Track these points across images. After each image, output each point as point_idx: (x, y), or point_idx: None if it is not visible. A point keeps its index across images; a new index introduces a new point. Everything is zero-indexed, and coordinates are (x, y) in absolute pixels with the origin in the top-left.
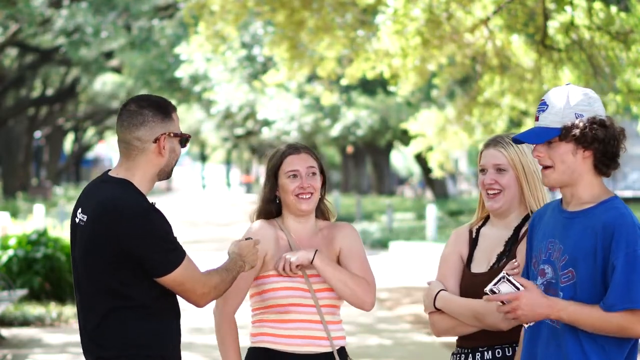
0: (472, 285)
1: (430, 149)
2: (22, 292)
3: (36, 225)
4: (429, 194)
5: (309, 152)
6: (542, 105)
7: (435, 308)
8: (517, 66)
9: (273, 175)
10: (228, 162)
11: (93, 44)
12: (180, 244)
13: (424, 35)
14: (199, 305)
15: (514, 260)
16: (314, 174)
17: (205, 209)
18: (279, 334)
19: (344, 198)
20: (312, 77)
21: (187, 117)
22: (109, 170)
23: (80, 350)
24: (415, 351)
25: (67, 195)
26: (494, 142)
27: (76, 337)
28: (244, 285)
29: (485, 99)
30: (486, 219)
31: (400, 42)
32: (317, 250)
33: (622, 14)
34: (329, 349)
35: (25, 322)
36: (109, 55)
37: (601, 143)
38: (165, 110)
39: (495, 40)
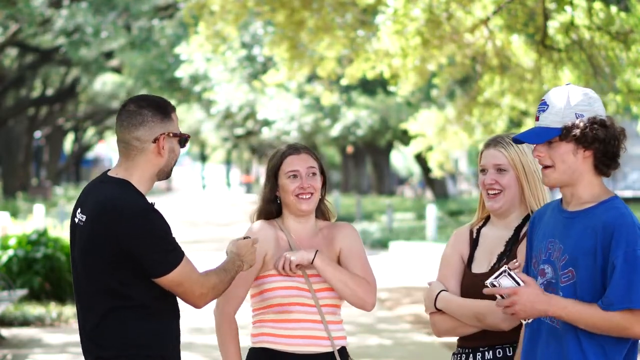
0: (473, 285)
1: (430, 149)
2: (22, 292)
3: (36, 225)
4: (429, 194)
5: (309, 152)
6: (543, 105)
7: (436, 309)
8: (517, 66)
9: (273, 176)
10: (228, 162)
11: (93, 44)
12: (179, 244)
13: (424, 35)
14: (197, 306)
15: (514, 260)
16: (314, 174)
17: (205, 209)
18: (280, 334)
19: (344, 198)
20: (312, 77)
21: (187, 117)
22: (108, 170)
23: (81, 350)
24: (415, 351)
25: (67, 195)
26: (494, 142)
27: (76, 337)
28: (244, 285)
29: (485, 99)
30: (487, 219)
31: (400, 42)
32: (317, 251)
33: (622, 14)
34: (329, 349)
35: (25, 322)
36: (109, 55)
37: (601, 143)
38: (164, 110)
39: (495, 40)
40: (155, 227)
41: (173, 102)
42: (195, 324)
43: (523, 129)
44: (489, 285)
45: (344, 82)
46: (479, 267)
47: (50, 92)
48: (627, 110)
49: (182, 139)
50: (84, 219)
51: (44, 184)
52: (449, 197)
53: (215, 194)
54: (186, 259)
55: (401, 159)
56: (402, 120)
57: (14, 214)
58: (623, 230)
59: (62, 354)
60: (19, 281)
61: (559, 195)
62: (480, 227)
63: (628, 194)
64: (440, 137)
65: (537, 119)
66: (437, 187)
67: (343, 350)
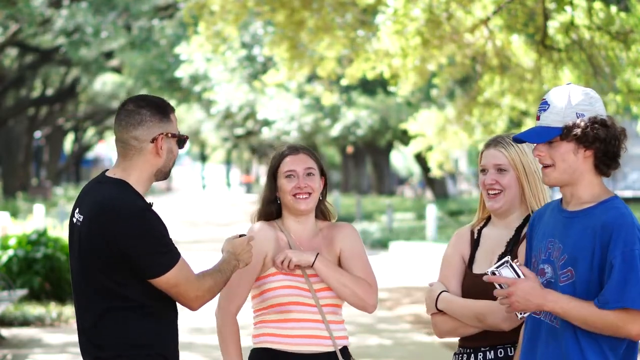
0: (474, 285)
1: (430, 148)
2: (22, 292)
3: (36, 225)
4: (429, 194)
5: (308, 153)
6: (543, 105)
7: (437, 309)
8: (517, 66)
9: (272, 176)
10: (228, 162)
11: (93, 44)
12: (176, 246)
13: (424, 35)
14: (192, 308)
15: (515, 260)
16: (311, 174)
17: (205, 209)
18: (281, 334)
19: (344, 198)
20: (312, 77)
21: (187, 117)
22: (106, 170)
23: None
24: (415, 351)
25: (67, 195)
26: (495, 142)
27: (76, 337)
28: (245, 286)
29: (485, 99)
30: (487, 219)
31: (400, 42)
32: (318, 254)
33: (622, 14)
34: (331, 349)
35: (25, 322)
36: (109, 55)
37: (602, 143)
38: (163, 110)
39: (495, 40)
40: (152, 228)
41: (173, 102)
42: (195, 324)
43: (523, 129)
44: (489, 273)
45: (344, 82)
46: (479, 268)
47: (50, 92)
48: (627, 110)
49: (181, 140)
50: (81, 219)
51: (44, 184)
52: (449, 197)
53: (215, 194)
54: (182, 261)
55: (401, 159)
56: (402, 120)
57: (14, 214)
58: (622, 230)
59: (62, 354)
60: (19, 281)
61: (559, 196)
62: (481, 228)
63: (628, 194)
64: (440, 137)
65: (537, 118)
66: (437, 187)
67: (345, 350)
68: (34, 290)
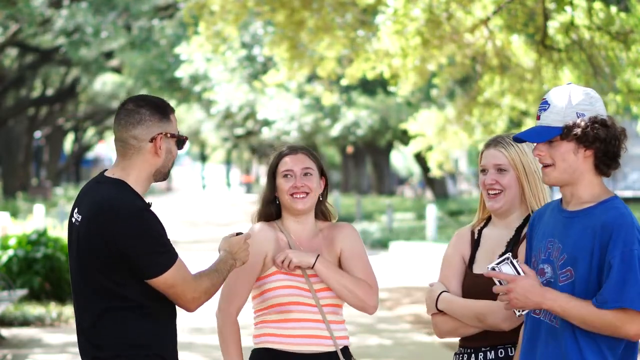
0: (474, 285)
1: (430, 148)
2: (22, 292)
3: (36, 225)
4: (429, 194)
5: (307, 153)
6: (544, 105)
7: (438, 310)
8: (517, 66)
9: (272, 176)
10: (228, 162)
11: (93, 44)
12: (173, 246)
13: (424, 35)
14: (189, 309)
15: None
16: (309, 174)
17: (205, 209)
18: (282, 334)
19: (344, 198)
20: (312, 77)
21: (187, 117)
22: (105, 170)
23: None
24: (415, 351)
25: (67, 195)
26: (495, 142)
27: (76, 337)
28: (245, 287)
29: (485, 99)
30: (488, 219)
31: (400, 42)
32: (319, 255)
33: (622, 14)
34: (332, 349)
35: (25, 322)
36: (109, 55)
37: (602, 143)
38: (163, 110)
39: (495, 40)
40: (150, 228)
41: (173, 102)
42: (195, 324)
43: (523, 129)
44: (489, 269)
45: (344, 82)
46: (480, 268)
47: (50, 92)
48: (627, 110)
49: (180, 141)
50: (80, 219)
51: (44, 184)
52: (449, 197)
53: (215, 194)
54: (179, 262)
55: (401, 159)
56: (402, 120)
57: (14, 214)
58: (622, 230)
59: (62, 354)
60: (19, 281)
61: (559, 196)
62: (482, 228)
63: (628, 194)
64: (440, 137)
65: (538, 118)
66: (437, 187)
67: (346, 350)
68: (34, 290)
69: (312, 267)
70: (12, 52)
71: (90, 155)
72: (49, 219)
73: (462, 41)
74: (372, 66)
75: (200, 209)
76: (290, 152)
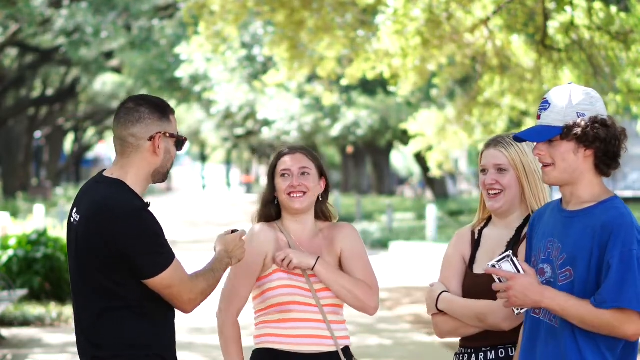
0: (475, 286)
1: (429, 148)
2: (22, 292)
3: (36, 225)
4: (429, 194)
5: (306, 153)
6: (544, 104)
7: (438, 310)
8: (517, 66)
9: (271, 176)
10: (228, 162)
11: (93, 44)
12: (170, 247)
13: (424, 35)
14: (185, 311)
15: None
16: (306, 173)
17: (205, 209)
18: (282, 334)
19: (344, 198)
20: (312, 77)
21: (187, 117)
22: (104, 170)
23: None
24: (415, 351)
25: (67, 196)
26: (495, 142)
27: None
28: (246, 288)
29: (485, 99)
30: (488, 219)
31: (400, 42)
32: (319, 257)
33: (622, 14)
34: (333, 348)
35: (25, 322)
36: (109, 55)
37: (602, 142)
38: (162, 110)
39: (495, 40)
40: (148, 228)
41: (173, 102)
42: (195, 324)
43: (523, 129)
44: (489, 266)
45: (344, 82)
46: (480, 268)
47: (50, 92)
48: (627, 110)
49: (179, 141)
50: (78, 219)
51: (44, 184)
52: (449, 197)
53: (215, 194)
54: (176, 262)
55: (401, 159)
56: (402, 120)
57: (14, 214)
58: (621, 230)
59: (62, 354)
60: (19, 281)
61: (559, 196)
62: (482, 228)
63: (628, 194)
64: (440, 137)
65: (538, 117)
66: (437, 187)
67: (347, 350)
68: (34, 290)
69: (312, 269)
70: (12, 52)
71: (90, 155)
72: (49, 219)
73: (462, 41)
74: (372, 66)
75: (200, 209)
76: (289, 152)
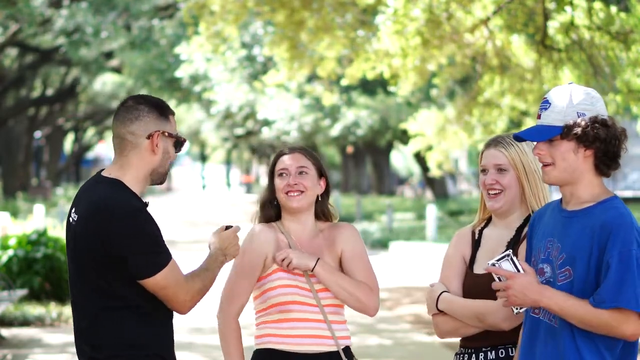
0: (475, 286)
1: (429, 148)
2: (22, 292)
3: (36, 225)
4: (429, 194)
5: (305, 152)
6: (545, 104)
7: (438, 310)
8: (517, 66)
9: (271, 176)
10: (228, 162)
11: (93, 44)
12: (168, 247)
13: (424, 35)
14: (181, 312)
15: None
16: (304, 173)
17: (205, 209)
18: (283, 334)
19: (344, 198)
20: (312, 77)
21: (187, 117)
22: (102, 170)
23: None
24: (415, 351)
25: (67, 196)
26: (495, 142)
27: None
28: (246, 288)
29: (485, 99)
30: (489, 220)
31: (400, 42)
32: (319, 259)
33: (622, 14)
34: (334, 348)
35: (25, 322)
36: (109, 55)
37: (602, 142)
38: (161, 109)
39: (495, 40)
40: (145, 228)
41: (173, 102)
42: (195, 324)
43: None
44: (489, 265)
45: (344, 82)
46: (481, 268)
47: (50, 92)
48: (627, 110)
49: (178, 142)
50: (76, 219)
51: (44, 184)
52: (449, 197)
53: (215, 194)
54: (173, 263)
55: (401, 159)
56: (402, 120)
57: (14, 214)
58: (621, 230)
59: (62, 354)
60: (19, 281)
61: (559, 196)
62: (482, 228)
63: (628, 194)
64: (440, 137)
65: (538, 117)
66: (437, 187)
67: (347, 350)
68: (34, 290)
69: (312, 271)
70: (12, 52)
71: (90, 155)
72: (49, 219)
73: (462, 41)
74: (372, 66)
75: (200, 209)
76: (288, 151)
